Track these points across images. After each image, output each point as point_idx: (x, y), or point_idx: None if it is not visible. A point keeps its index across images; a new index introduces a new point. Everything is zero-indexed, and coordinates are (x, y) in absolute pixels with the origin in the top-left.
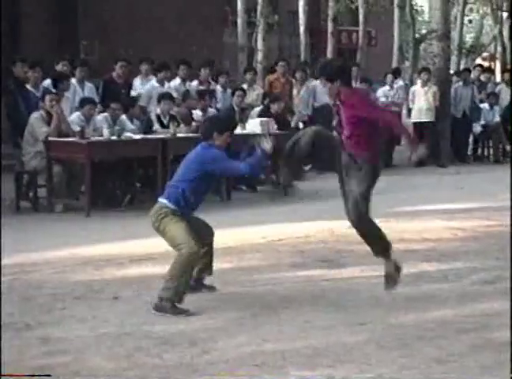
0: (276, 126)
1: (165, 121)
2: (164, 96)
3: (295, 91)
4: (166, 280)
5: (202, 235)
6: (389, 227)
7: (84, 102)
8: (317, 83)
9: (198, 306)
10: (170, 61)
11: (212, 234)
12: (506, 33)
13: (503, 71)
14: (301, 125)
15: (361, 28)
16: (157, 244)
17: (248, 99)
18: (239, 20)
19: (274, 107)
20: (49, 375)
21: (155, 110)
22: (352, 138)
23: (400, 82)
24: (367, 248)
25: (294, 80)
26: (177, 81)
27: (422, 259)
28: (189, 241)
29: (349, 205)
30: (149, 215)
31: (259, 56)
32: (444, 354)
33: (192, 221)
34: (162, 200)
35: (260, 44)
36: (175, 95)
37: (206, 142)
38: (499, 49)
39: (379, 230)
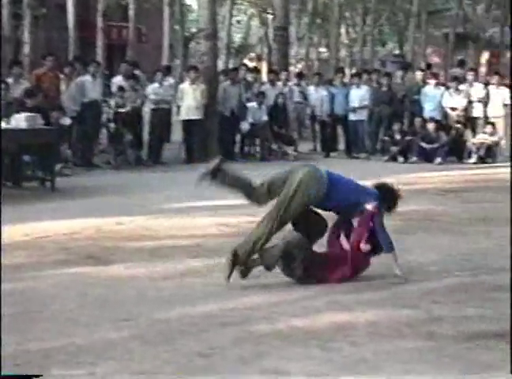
0: (42, 122)
1: None
2: None
3: (63, 87)
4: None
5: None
6: (157, 223)
7: None
8: (86, 78)
9: None
10: None
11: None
12: (271, 35)
13: (269, 71)
14: (69, 121)
15: (131, 24)
16: None
17: (14, 94)
18: (4, 12)
19: (30, 102)
20: None
21: None
22: None
23: (170, 80)
24: (134, 245)
25: (62, 76)
26: None
27: (188, 255)
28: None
29: None
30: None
31: (26, 49)
32: (206, 347)
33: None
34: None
35: (26, 37)
36: None
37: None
38: (265, 50)
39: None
